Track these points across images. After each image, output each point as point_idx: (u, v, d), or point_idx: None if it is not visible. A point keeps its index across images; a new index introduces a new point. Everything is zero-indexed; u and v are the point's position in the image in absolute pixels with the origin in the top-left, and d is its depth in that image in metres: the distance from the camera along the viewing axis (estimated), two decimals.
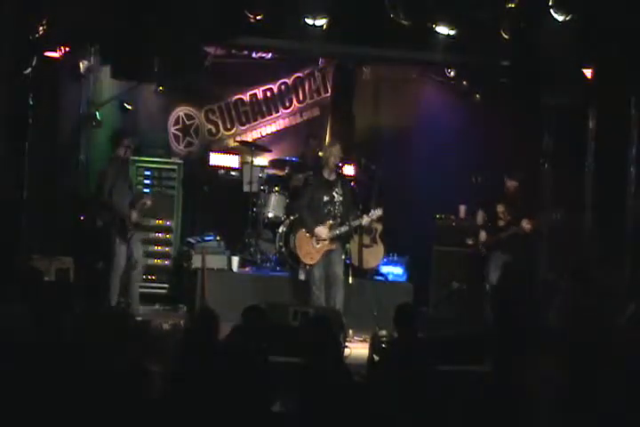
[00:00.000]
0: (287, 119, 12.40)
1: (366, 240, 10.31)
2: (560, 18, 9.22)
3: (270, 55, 11.83)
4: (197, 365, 5.51)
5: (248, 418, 5.28)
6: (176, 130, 11.91)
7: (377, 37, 9.83)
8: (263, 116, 12.29)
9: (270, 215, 11.04)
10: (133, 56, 9.31)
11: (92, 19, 9.09)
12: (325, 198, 9.46)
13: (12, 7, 9.02)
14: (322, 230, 9.38)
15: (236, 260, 10.70)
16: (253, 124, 12.26)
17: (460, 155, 11.30)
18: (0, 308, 6.11)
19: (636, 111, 10.28)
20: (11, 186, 9.59)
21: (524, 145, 11.09)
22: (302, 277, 9.84)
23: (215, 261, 10.58)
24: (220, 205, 11.51)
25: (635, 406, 5.38)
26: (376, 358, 7.33)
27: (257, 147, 11.61)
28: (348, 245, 9.59)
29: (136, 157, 10.76)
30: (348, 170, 11.34)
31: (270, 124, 12.33)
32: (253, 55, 11.82)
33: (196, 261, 10.50)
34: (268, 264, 10.99)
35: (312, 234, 9.42)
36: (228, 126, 12.15)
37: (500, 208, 10.10)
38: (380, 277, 11.02)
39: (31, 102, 9.69)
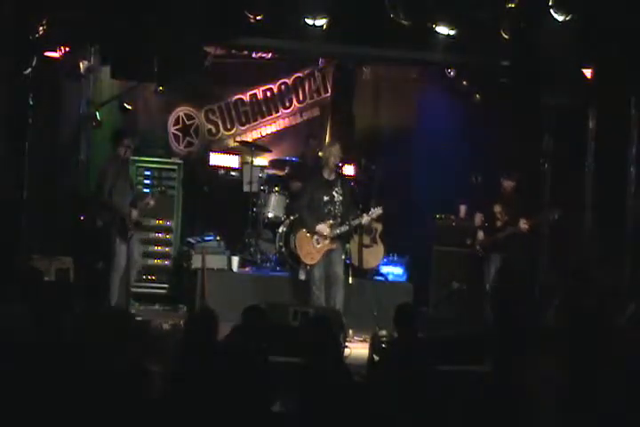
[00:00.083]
0: (287, 119, 12.41)
1: (366, 240, 10.32)
2: (560, 18, 9.22)
3: (270, 55, 11.85)
4: (197, 365, 5.50)
5: (248, 418, 5.28)
6: (176, 130, 11.92)
7: (377, 37, 9.83)
8: (263, 117, 12.30)
9: (270, 215, 11.05)
10: (133, 56, 9.31)
11: (91, 19, 9.10)
12: (325, 198, 9.46)
13: (11, 7, 9.03)
14: (323, 228, 9.38)
15: (235, 260, 10.71)
16: (253, 124, 12.26)
17: (459, 155, 11.29)
18: (0, 308, 6.11)
19: (636, 111, 10.29)
20: (11, 186, 9.60)
21: (524, 145, 11.09)
22: (303, 276, 9.86)
23: (215, 261, 10.59)
24: (220, 205, 11.51)
25: (635, 406, 5.38)
26: (376, 358, 7.33)
27: (257, 147, 11.61)
28: (348, 245, 9.59)
29: (136, 157, 10.76)
30: (348, 170, 11.34)
31: (270, 124, 12.34)
32: (253, 55, 11.84)
33: (196, 261, 10.51)
34: (267, 264, 10.99)
35: (313, 233, 9.42)
36: (228, 126, 12.16)
37: (498, 208, 10.10)
38: (379, 277, 11.02)
39: (31, 102, 9.70)
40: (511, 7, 9.47)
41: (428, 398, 5.84)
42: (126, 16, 9.11)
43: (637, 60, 9.49)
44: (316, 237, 9.45)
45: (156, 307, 10.68)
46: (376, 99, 12.47)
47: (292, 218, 10.65)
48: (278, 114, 12.36)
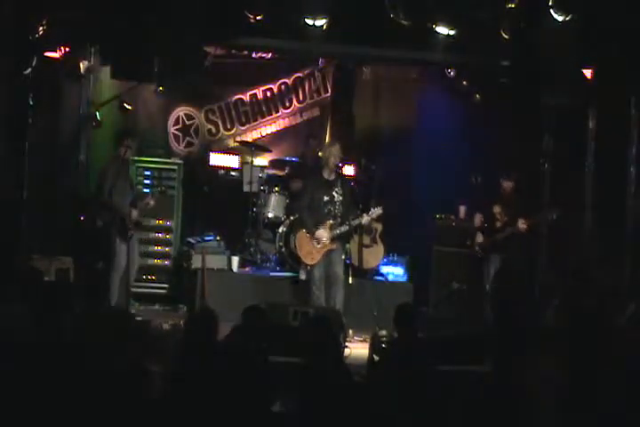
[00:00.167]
0: (287, 119, 12.41)
1: (366, 240, 10.32)
2: (560, 18, 9.22)
3: (270, 55, 11.85)
4: (197, 365, 5.51)
5: (248, 418, 5.28)
6: (176, 130, 11.92)
7: (377, 37, 9.84)
8: (263, 117, 12.30)
9: (270, 215, 11.05)
10: (133, 56, 9.31)
11: (91, 19, 9.09)
12: (325, 198, 9.46)
13: (11, 7, 9.03)
14: (322, 233, 9.38)
15: (235, 260, 10.71)
16: (253, 124, 12.26)
17: (459, 155, 11.29)
18: (0, 308, 6.11)
19: (636, 111, 10.29)
20: (11, 186, 9.60)
21: (524, 145, 11.09)
22: (303, 276, 9.87)
23: (215, 261, 10.59)
24: (220, 205, 11.51)
25: (635, 406, 5.38)
26: (376, 358, 7.33)
27: (257, 147, 11.61)
28: (348, 245, 9.59)
29: (136, 157, 10.76)
30: (348, 170, 11.35)
31: (270, 124, 12.34)
32: (253, 55, 11.84)
33: (196, 261, 10.51)
34: (267, 264, 10.99)
35: (312, 235, 9.42)
36: (228, 126, 12.16)
37: (497, 209, 10.11)
38: (380, 277, 11.02)
39: (31, 102, 9.70)
40: (511, 7, 9.47)
41: (428, 398, 5.84)
42: (126, 16, 9.11)
43: (637, 60, 9.49)
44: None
45: (156, 307, 10.68)
46: (376, 99, 12.47)
47: (292, 218, 10.65)
48: (278, 114, 12.36)
